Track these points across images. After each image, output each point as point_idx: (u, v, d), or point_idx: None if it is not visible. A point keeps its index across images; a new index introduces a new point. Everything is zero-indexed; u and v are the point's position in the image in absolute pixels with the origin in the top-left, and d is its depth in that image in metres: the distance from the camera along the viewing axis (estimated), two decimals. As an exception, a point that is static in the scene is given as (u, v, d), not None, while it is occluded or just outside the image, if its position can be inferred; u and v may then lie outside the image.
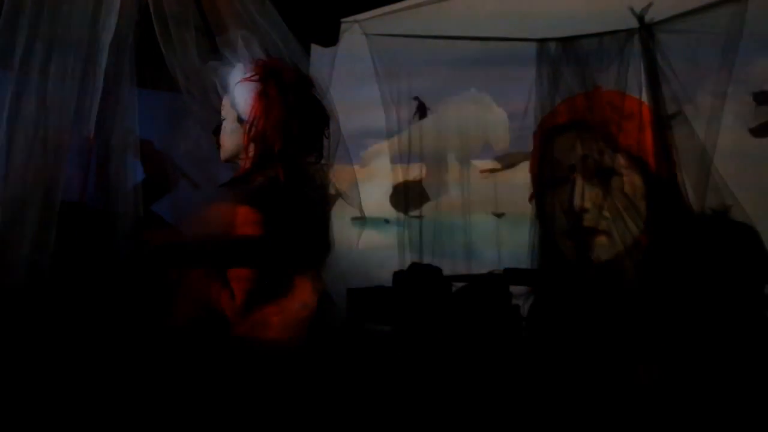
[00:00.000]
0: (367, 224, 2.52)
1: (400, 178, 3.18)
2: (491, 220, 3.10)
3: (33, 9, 1.30)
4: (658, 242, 1.53)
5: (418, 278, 2.39)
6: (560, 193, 1.64)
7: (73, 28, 1.33)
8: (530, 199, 2.02)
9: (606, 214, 1.57)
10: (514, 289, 2.02)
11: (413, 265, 2.65)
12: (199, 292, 1.46)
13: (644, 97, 1.81)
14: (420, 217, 3.13)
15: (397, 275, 2.48)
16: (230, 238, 1.43)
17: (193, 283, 1.48)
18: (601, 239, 1.58)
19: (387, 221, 3.32)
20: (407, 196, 3.17)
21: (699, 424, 1.32)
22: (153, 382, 1.36)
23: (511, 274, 2.17)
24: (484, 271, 2.42)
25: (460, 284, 2.26)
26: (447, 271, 2.45)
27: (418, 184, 3.17)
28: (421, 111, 3.30)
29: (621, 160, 1.60)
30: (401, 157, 3.13)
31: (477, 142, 3.25)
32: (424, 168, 3.18)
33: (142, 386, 1.36)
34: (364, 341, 2.04)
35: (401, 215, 3.24)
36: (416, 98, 3.26)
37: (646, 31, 1.80)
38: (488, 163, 3.23)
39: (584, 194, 1.59)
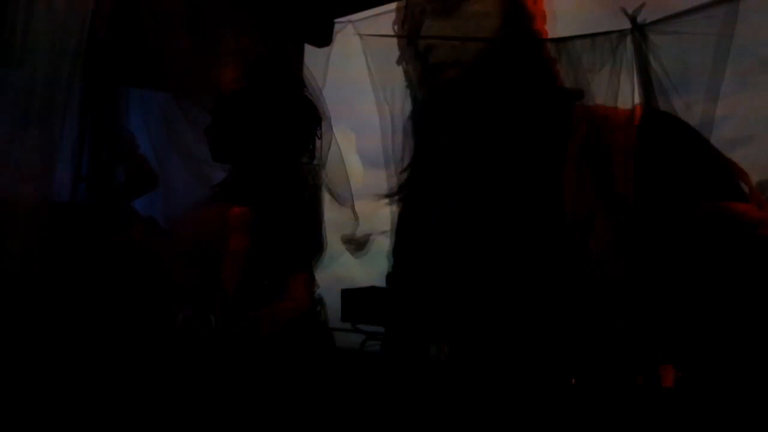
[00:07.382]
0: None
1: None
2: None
3: (13, 6, 1.29)
4: (648, 243, 1.53)
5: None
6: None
7: (58, 25, 1.32)
8: None
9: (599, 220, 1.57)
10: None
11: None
12: (192, 291, 1.46)
13: (636, 98, 1.81)
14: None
15: (391, 276, 2.46)
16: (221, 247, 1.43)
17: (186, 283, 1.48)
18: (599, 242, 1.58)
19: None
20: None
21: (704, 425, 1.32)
22: (146, 381, 1.36)
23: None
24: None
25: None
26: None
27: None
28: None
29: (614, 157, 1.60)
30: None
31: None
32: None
33: (134, 384, 1.35)
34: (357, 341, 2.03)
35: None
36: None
37: (639, 32, 1.81)
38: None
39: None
